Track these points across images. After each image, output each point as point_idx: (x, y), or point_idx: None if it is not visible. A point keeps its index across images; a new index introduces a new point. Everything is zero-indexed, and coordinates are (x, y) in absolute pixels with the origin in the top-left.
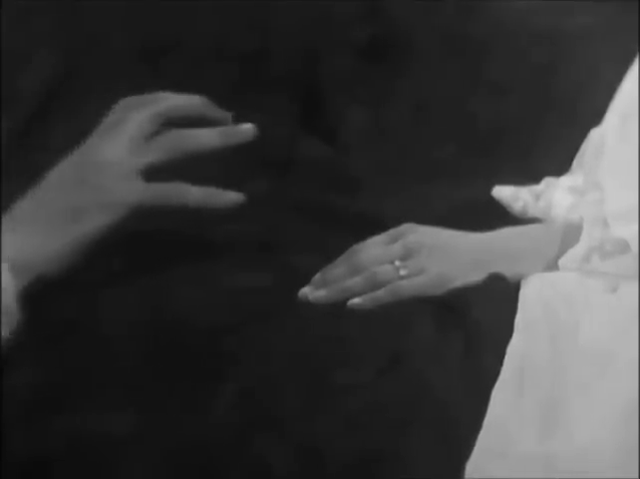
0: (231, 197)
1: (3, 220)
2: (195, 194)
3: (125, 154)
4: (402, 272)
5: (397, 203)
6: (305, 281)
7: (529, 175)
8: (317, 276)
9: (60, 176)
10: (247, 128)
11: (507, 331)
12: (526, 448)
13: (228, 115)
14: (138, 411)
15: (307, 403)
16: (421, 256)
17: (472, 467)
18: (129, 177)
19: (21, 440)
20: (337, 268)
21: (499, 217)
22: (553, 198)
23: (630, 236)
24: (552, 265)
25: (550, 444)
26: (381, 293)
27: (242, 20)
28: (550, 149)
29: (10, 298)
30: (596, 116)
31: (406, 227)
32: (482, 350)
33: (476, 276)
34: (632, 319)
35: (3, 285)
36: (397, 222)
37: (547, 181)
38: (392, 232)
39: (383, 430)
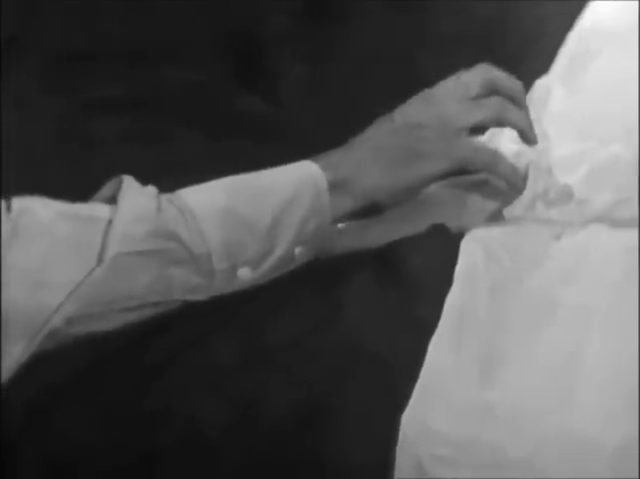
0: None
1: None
2: (505, 165)
3: (461, 109)
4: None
5: None
6: None
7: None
8: None
9: (406, 117)
10: (536, 136)
11: (448, 283)
12: (464, 398)
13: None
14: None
15: (241, 357)
16: None
17: (408, 417)
18: (462, 131)
19: None
20: None
21: None
22: (499, 147)
23: (574, 183)
24: (498, 215)
25: (489, 393)
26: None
27: None
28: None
29: (328, 218)
30: (543, 67)
31: None
32: (420, 302)
33: (417, 228)
34: (576, 267)
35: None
36: None
37: (492, 131)
38: None
39: (319, 382)
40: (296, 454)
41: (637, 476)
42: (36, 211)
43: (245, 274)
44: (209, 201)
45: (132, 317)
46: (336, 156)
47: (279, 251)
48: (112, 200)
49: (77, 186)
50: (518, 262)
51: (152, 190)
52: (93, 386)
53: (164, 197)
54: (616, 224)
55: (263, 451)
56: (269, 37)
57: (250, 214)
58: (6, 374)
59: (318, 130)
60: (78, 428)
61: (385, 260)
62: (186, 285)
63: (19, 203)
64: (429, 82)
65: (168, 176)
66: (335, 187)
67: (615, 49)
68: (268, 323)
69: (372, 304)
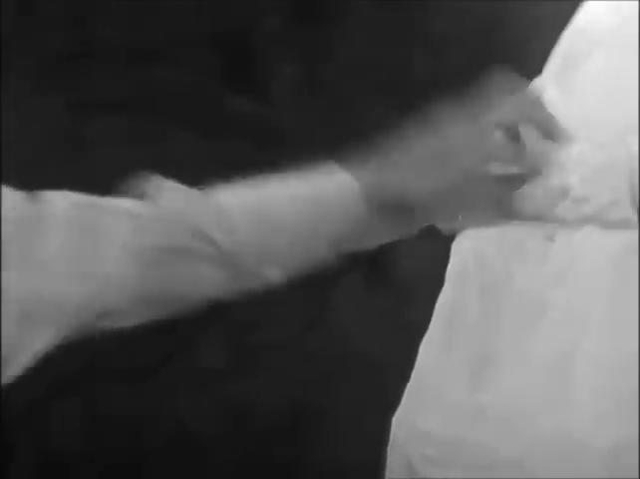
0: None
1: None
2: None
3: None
4: None
5: (333, 157)
6: None
7: None
8: None
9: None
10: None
11: (438, 285)
12: (455, 399)
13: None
14: None
15: (231, 359)
16: None
17: (399, 418)
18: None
19: None
20: None
21: None
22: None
23: (570, 184)
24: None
25: (480, 394)
26: None
27: None
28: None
29: (361, 224)
30: (538, 67)
31: None
32: (410, 304)
33: (410, 231)
34: (567, 268)
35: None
36: None
37: None
38: None
39: (309, 383)
40: (287, 455)
41: (633, 477)
42: (57, 203)
43: (273, 274)
44: (241, 201)
45: (156, 314)
46: (369, 165)
47: (308, 254)
48: (140, 196)
49: (71, 185)
50: (510, 263)
51: (185, 187)
52: (85, 387)
53: (198, 194)
54: (609, 225)
55: (254, 451)
56: (262, 38)
57: (281, 217)
58: (26, 363)
59: (310, 130)
60: (72, 429)
61: (375, 263)
62: (215, 283)
63: (45, 195)
64: (421, 82)
65: (163, 175)
66: (369, 194)
67: (609, 49)
68: (258, 325)
69: (362, 306)
